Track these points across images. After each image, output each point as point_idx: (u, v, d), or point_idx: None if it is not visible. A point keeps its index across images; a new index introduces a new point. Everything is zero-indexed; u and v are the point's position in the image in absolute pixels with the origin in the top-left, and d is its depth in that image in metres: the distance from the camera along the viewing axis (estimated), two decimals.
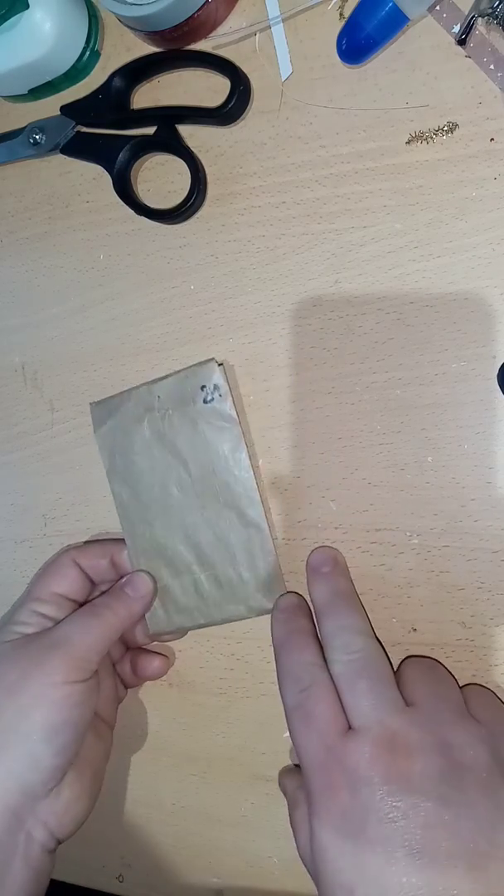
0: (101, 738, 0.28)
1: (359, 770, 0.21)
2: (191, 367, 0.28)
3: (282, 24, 0.27)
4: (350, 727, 0.22)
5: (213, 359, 0.28)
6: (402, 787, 0.20)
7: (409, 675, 0.24)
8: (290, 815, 0.25)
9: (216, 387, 0.27)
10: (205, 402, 0.27)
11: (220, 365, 0.28)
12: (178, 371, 0.28)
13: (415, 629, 0.26)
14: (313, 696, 0.23)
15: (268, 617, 0.27)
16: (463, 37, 0.25)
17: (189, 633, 0.30)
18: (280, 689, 0.24)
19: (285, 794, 0.26)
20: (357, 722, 0.22)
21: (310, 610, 0.27)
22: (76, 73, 0.30)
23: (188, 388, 0.28)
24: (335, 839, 0.21)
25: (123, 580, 0.29)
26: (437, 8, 0.25)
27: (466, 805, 0.20)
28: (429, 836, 0.19)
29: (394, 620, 0.27)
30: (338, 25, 0.26)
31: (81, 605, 0.29)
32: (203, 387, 0.28)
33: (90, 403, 0.30)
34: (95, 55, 0.30)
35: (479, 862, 0.19)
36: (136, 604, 0.28)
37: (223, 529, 0.28)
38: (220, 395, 0.27)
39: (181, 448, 0.28)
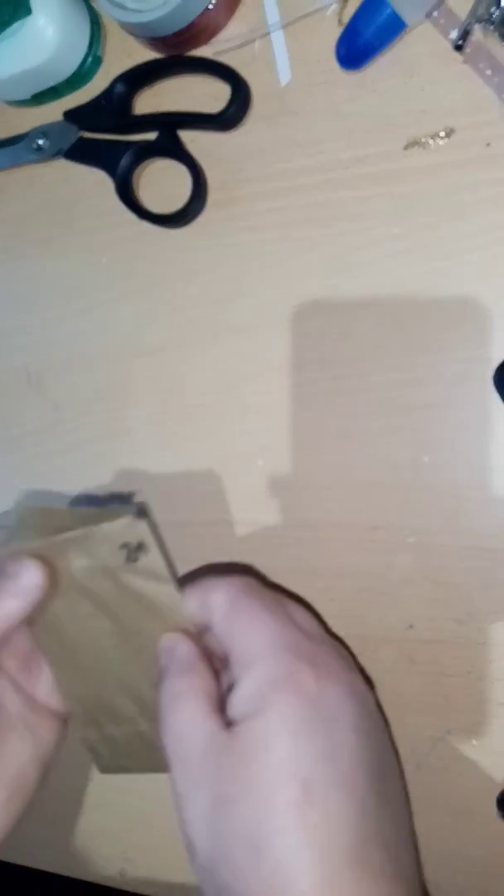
0: (23, 739, 0.26)
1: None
2: (103, 520, 0.24)
3: (281, 31, 0.27)
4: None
5: (131, 508, 0.25)
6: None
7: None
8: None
9: (141, 545, 0.24)
10: (128, 560, 0.24)
11: (142, 516, 0.24)
12: (91, 516, 0.24)
13: (412, 626, 0.27)
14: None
15: None
16: (460, 43, 0.25)
17: None
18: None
19: None
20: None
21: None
22: (78, 78, 0.30)
23: (104, 549, 0.24)
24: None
25: (6, 571, 0.24)
26: (435, 14, 0.25)
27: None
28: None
29: (391, 617, 0.27)
30: (337, 32, 0.26)
31: None
32: (124, 545, 0.24)
33: None
34: (97, 61, 0.30)
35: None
36: (12, 600, 0.24)
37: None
38: (147, 554, 0.24)
39: (107, 600, 0.25)
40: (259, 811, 0.20)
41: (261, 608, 0.23)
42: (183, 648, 0.24)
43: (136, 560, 0.24)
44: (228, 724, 0.22)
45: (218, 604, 0.24)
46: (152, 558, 0.24)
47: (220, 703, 0.23)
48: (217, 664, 0.24)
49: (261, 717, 0.21)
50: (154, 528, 0.24)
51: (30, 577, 0.24)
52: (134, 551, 0.24)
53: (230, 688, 0.23)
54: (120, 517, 0.24)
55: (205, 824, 0.21)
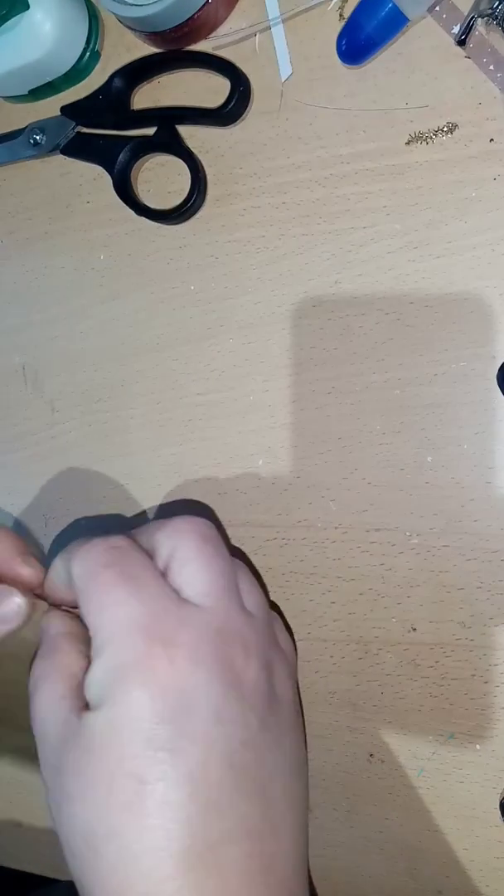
0: None
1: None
2: None
3: (282, 25, 0.27)
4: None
5: None
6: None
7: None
8: None
9: None
10: None
11: None
12: None
13: (414, 629, 0.27)
14: None
15: None
16: (463, 37, 0.25)
17: None
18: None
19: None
20: None
21: None
22: (76, 73, 0.30)
23: None
24: None
25: None
26: (437, 9, 0.25)
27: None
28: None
29: (393, 620, 0.27)
30: (338, 26, 0.26)
31: None
32: None
33: None
34: (96, 56, 0.30)
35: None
36: None
37: None
38: None
39: None
40: (95, 811, 0.19)
41: (119, 580, 0.21)
42: (53, 627, 0.23)
43: None
44: (83, 709, 0.20)
45: (77, 574, 0.21)
46: None
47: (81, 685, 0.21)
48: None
49: (103, 710, 0.20)
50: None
51: (13, 608, 0.23)
52: None
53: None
54: None
55: (56, 815, 0.20)
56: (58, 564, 0.23)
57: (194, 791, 0.19)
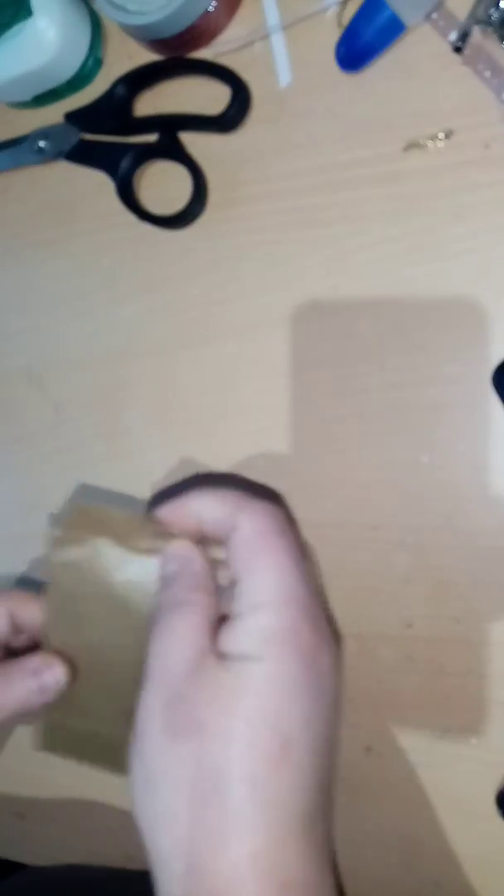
0: None
1: None
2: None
3: (281, 33, 0.27)
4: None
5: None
6: None
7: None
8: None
9: None
10: None
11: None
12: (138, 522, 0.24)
13: (410, 625, 0.27)
14: None
15: None
16: (459, 44, 0.25)
17: None
18: None
19: None
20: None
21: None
22: (79, 80, 0.31)
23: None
24: None
25: (31, 664, 0.24)
26: (434, 16, 0.26)
27: None
28: None
29: (390, 616, 0.27)
30: (336, 34, 0.26)
31: None
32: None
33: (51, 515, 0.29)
34: (98, 63, 0.31)
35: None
36: (32, 696, 0.24)
37: None
38: None
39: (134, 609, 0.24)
40: (230, 750, 0.19)
41: (286, 552, 0.22)
42: (199, 564, 0.23)
43: None
44: (220, 654, 0.21)
45: (245, 528, 0.22)
46: None
47: (214, 630, 0.22)
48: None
49: (258, 663, 0.20)
50: None
51: (55, 679, 0.24)
52: None
53: (224, 617, 0.22)
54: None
55: (168, 740, 0.20)
56: (209, 502, 0.23)
57: (317, 763, 0.21)
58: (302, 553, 0.23)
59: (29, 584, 0.33)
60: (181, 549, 0.23)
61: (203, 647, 0.21)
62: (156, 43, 0.28)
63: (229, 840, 0.19)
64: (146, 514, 0.24)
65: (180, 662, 0.21)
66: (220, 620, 0.22)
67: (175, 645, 0.21)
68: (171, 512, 0.24)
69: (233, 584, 0.22)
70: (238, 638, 0.21)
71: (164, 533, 0.24)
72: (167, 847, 0.20)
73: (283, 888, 0.19)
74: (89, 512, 0.25)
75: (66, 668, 0.24)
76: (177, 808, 0.20)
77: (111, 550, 0.24)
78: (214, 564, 0.23)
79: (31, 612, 0.26)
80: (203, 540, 0.24)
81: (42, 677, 0.24)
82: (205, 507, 0.23)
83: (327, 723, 0.21)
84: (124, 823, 0.33)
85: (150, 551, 0.24)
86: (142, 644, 0.24)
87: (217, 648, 0.21)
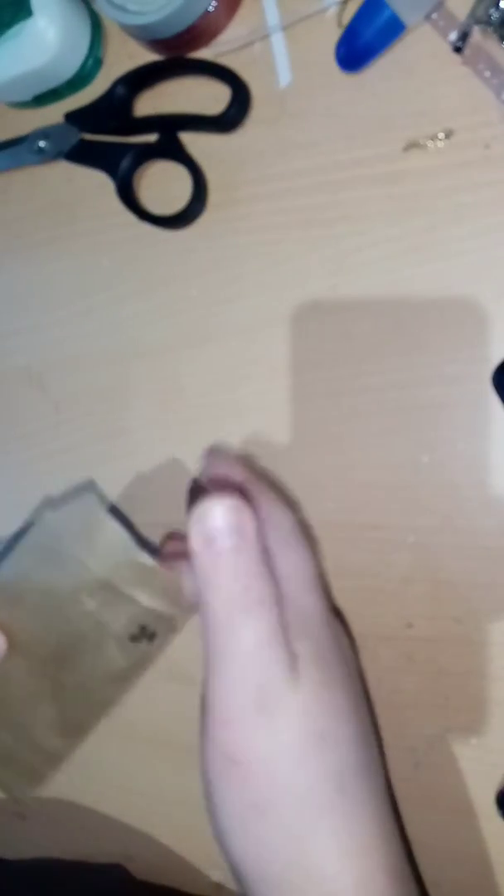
0: None
1: None
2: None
3: (281, 33, 0.27)
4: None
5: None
6: None
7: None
8: None
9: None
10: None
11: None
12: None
13: (410, 625, 0.27)
14: None
15: None
16: (459, 44, 0.25)
17: (188, 624, 0.31)
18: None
19: None
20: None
21: None
22: (79, 80, 0.31)
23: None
24: None
25: None
26: (434, 16, 0.26)
27: None
28: None
29: (390, 616, 0.27)
30: (336, 33, 0.26)
31: None
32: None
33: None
34: (98, 63, 0.31)
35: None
36: None
37: None
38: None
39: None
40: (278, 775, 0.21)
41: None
42: (259, 562, 0.20)
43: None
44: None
45: (278, 521, 0.23)
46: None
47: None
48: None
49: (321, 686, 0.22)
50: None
51: None
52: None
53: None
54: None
55: (267, 760, 0.21)
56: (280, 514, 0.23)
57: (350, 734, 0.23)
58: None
59: None
60: (237, 514, 0.20)
61: (281, 647, 0.21)
62: (156, 43, 0.28)
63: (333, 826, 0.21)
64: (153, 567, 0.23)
65: (277, 667, 0.21)
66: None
67: (249, 651, 0.21)
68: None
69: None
70: (298, 651, 0.22)
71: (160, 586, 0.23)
72: (278, 873, 0.21)
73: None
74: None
75: (4, 638, 0.23)
76: (293, 825, 0.21)
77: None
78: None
79: None
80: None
81: None
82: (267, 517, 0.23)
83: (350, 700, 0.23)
84: (124, 823, 0.33)
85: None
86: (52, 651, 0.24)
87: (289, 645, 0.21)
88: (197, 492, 0.25)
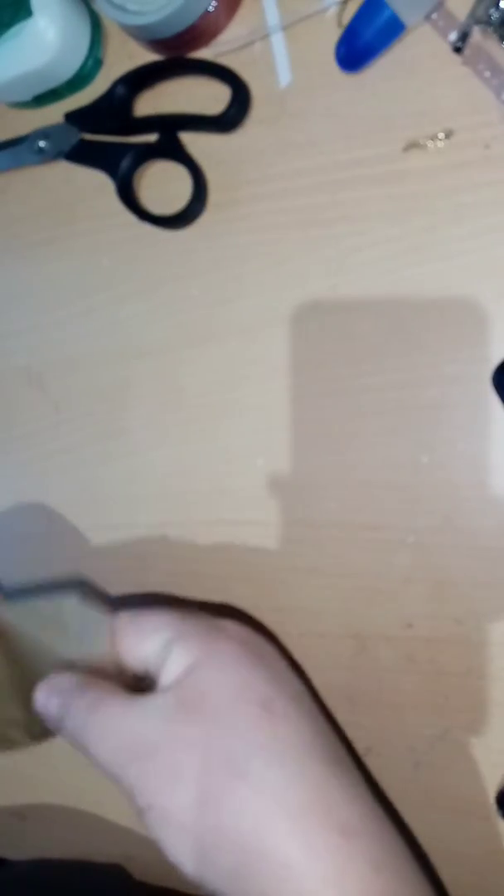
0: None
1: None
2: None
3: (281, 33, 0.27)
4: None
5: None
6: None
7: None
8: None
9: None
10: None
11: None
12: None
13: (410, 625, 0.27)
14: None
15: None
16: (459, 44, 0.25)
17: None
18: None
19: None
20: None
21: None
22: (79, 80, 0.31)
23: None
24: None
25: None
26: (434, 16, 0.26)
27: None
28: None
29: (390, 616, 0.27)
30: (336, 34, 0.26)
31: None
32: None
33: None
34: (98, 63, 0.31)
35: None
36: None
37: None
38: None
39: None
40: (229, 737, 0.21)
41: (155, 613, 0.24)
42: (63, 680, 0.24)
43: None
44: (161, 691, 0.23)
45: (118, 627, 0.25)
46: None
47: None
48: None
49: (201, 667, 0.22)
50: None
51: None
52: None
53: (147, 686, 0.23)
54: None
55: (193, 785, 0.21)
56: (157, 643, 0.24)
57: (304, 708, 0.23)
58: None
59: None
60: (41, 694, 0.25)
61: (142, 703, 0.22)
62: (156, 43, 0.29)
63: (264, 805, 0.20)
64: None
65: (140, 728, 0.22)
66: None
67: (123, 727, 0.22)
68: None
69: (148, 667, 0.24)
70: (171, 672, 0.23)
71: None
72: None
73: (342, 832, 0.20)
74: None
75: None
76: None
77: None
78: None
79: None
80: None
81: None
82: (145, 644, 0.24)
83: (286, 674, 0.24)
84: (124, 823, 0.33)
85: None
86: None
87: (157, 693, 0.23)
88: None
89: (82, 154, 0.30)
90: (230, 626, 0.24)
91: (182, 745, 0.21)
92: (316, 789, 0.21)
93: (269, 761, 0.21)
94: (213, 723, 0.21)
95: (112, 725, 0.23)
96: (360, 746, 0.28)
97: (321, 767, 0.21)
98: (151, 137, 0.29)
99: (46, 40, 0.29)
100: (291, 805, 0.20)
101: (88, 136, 0.30)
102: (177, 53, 0.29)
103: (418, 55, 0.26)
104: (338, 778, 0.21)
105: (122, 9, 0.27)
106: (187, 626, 0.24)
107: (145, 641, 0.24)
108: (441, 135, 0.26)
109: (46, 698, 0.25)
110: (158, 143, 0.29)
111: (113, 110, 0.30)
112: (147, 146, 0.29)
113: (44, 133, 0.31)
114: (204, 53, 0.29)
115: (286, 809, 0.20)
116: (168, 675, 0.23)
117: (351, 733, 0.28)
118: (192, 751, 0.21)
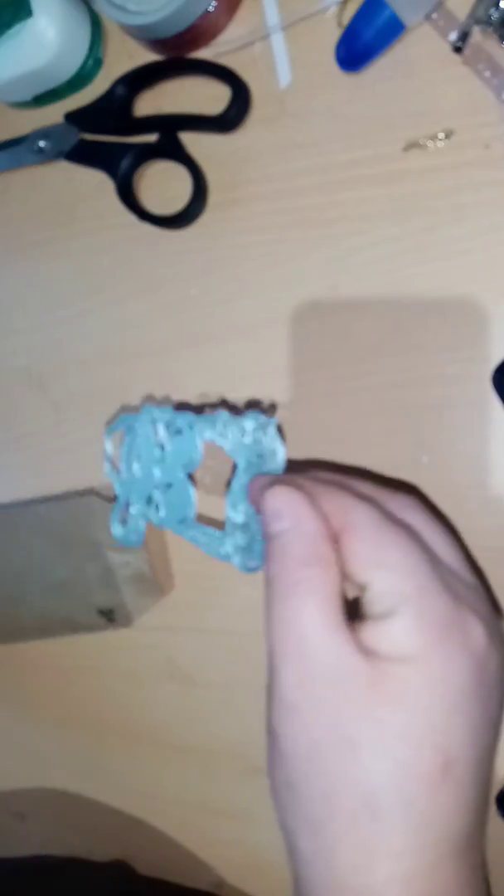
0: None
1: None
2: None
3: (281, 33, 0.27)
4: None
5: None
6: None
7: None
8: None
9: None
10: None
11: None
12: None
13: None
14: None
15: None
16: (459, 44, 0.25)
17: (190, 626, 0.31)
18: None
19: None
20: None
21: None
22: (79, 80, 0.31)
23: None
24: None
25: None
26: (434, 16, 0.26)
27: None
28: None
29: None
30: (336, 34, 0.26)
31: None
32: None
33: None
34: (98, 63, 0.31)
35: None
36: None
37: None
38: None
39: None
40: (388, 770, 0.17)
41: (445, 533, 0.20)
42: (311, 522, 0.19)
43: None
44: (367, 651, 0.18)
45: (403, 503, 0.20)
46: None
47: (345, 611, 0.18)
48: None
49: (420, 664, 0.17)
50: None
51: None
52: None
53: (358, 611, 0.19)
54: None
55: (310, 750, 0.18)
56: (326, 496, 0.20)
57: (479, 779, 0.18)
58: (455, 544, 0.20)
59: None
60: (289, 501, 0.19)
61: (343, 644, 0.18)
62: (156, 43, 0.28)
63: (378, 860, 0.17)
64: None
65: (319, 665, 0.18)
66: (351, 615, 0.19)
67: (308, 644, 0.18)
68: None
69: (360, 588, 0.19)
70: (393, 633, 0.18)
71: None
72: (308, 854, 0.18)
73: None
74: None
75: None
76: (320, 818, 0.18)
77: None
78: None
79: None
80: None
81: None
82: (321, 497, 0.19)
83: (495, 729, 0.18)
84: (124, 823, 0.33)
85: None
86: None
87: (362, 642, 0.18)
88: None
89: (82, 154, 0.30)
90: (481, 630, 0.18)
91: (343, 734, 0.17)
92: (433, 866, 0.17)
93: (407, 831, 0.17)
94: (385, 740, 0.17)
95: (306, 632, 0.18)
96: None
97: (456, 873, 0.17)
98: (151, 137, 0.29)
99: (46, 40, 0.29)
100: (404, 880, 0.17)
101: (88, 136, 0.30)
102: (177, 53, 0.29)
103: (418, 55, 0.26)
104: (461, 860, 0.18)
105: (122, 9, 0.27)
106: (435, 598, 0.18)
107: (373, 561, 0.18)
108: (441, 135, 0.26)
109: (275, 508, 0.19)
110: (158, 143, 0.29)
111: (113, 110, 0.30)
112: (147, 146, 0.29)
113: (44, 133, 0.31)
114: (204, 53, 0.29)
115: (393, 869, 0.17)
116: (379, 635, 0.18)
117: None
118: (347, 746, 0.17)
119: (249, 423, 0.23)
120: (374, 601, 0.18)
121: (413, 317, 0.26)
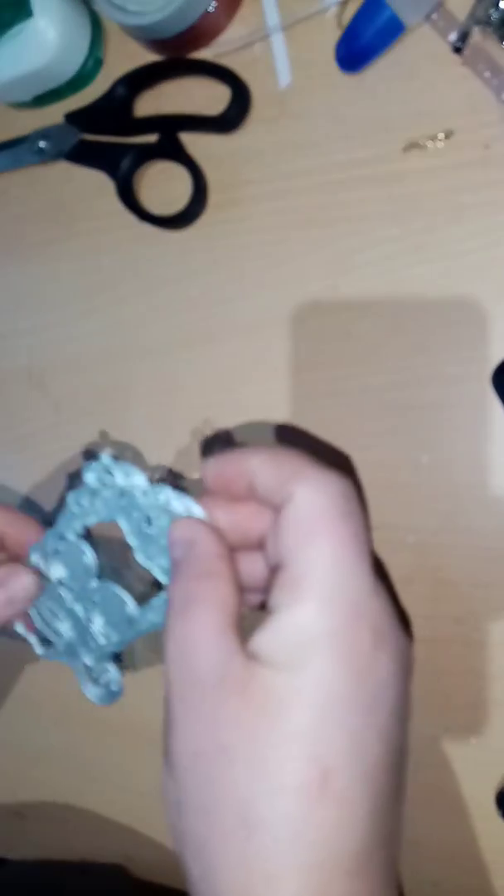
0: None
1: None
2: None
3: (281, 33, 0.28)
4: None
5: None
6: None
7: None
8: None
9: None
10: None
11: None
12: None
13: (410, 625, 0.27)
14: None
15: None
16: (459, 45, 0.25)
17: None
18: None
19: None
20: None
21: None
22: (80, 80, 0.31)
23: None
24: None
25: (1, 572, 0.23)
26: (434, 16, 0.26)
27: None
28: None
29: None
30: (336, 34, 0.26)
31: None
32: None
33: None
34: (98, 63, 0.31)
35: None
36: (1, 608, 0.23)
37: None
38: None
39: None
40: (260, 782, 0.16)
41: (346, 537, 0.18)
42: (208, 542, 0.19)
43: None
44: (249, 656, 0.18)
45: (302, 501, 0.18)
46: None
47: (239, 623, 0.18)
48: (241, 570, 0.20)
49: (295, 673, 0.17)
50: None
51: (23, 587, 0.23)
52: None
53: (262, 605, 0.19)
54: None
55: (191, 762, 0.17)
56: (266, 462, 0.20)
57: (366, 793, 0.17)
58: (366, 539, 0.19)
59: (32, 510, 0.33)
60: (181, 530, 0.20)
61: (225, 649, 0.17)
62: (156, 43, 0.29)
63: (258, 882, 0.16)
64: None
65: (199, 671, 0.18)
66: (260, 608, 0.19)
67: (192, 653, 0.18)
68: (221, 467, 0.20)
69: (275, 567, 0.19)
70: (274, 637, 0.18)
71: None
72: (195, 878, 0.17)
73: None
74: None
75: (33, 577, 0.23)
76: (202, 836, 0.17)
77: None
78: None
79: (17, 530, 0.25)
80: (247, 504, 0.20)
81: (8, 587, 0.23)
82: (260, 468, 0.19)
83: (385, 740, 0.17)
84: (124, 824, 0.33)
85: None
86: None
87: (247, 648, 0.18)
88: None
89: (82, 154, 0.30)
90: (363, 634, 0.17)
91: (218, 742, 0.17)
92: (322, 887, 0.16)
93: (286, 850, 0.16)
94: (258, 751, 0.17)
95: (192, 642, 0.18)
96: None
97: (344, 867, 0.16)
98: (151, 138, 0.29)
99: (46, 40, 0.29)
100: None
101: (88, 137, 0.30)
102: (177, 54, 0.29)
103: (418, 56, 0.26)
104: (356, 878, 0.17)
105: (122, 9, 0.27)
106: (347, 593, 0.17)
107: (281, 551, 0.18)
108: (441, 135, 0.26)
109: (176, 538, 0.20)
110: (158, 143, 0.29)
111: (113, 110, 0.30)
112: (147, 146, 0.29)
113: (44, 133, 0.31)
114: (204, 54, 0.29)
115: (280, 892, 0.16)
116: (268, 638, 0.18)
117: None
118: (222, 756, 0.17)
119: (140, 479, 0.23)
120: (277, 589, 0.18)
121: (413, 317, 0.26)
